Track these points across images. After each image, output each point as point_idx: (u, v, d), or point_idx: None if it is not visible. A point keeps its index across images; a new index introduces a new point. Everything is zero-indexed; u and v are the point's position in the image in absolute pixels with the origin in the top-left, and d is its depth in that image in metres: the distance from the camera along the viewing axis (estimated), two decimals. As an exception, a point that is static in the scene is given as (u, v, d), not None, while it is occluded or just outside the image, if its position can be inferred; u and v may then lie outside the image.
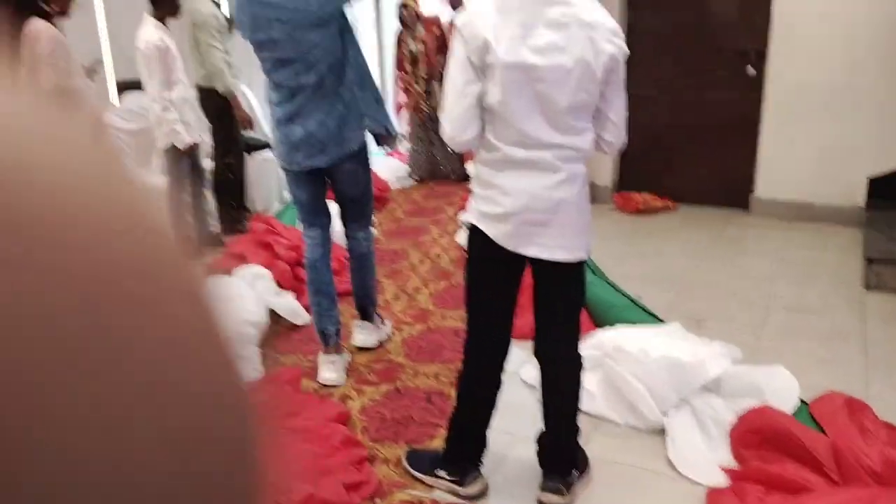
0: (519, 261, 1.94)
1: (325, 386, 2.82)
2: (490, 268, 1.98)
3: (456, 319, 3.46)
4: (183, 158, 4.16)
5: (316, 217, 2.84)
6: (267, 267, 3.54)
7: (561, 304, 2.05)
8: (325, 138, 2.58)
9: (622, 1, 5.26)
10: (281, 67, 2.52)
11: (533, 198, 1.83)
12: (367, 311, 3.08)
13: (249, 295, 3.13)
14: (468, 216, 2.00)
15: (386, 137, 2.75)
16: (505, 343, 2.09)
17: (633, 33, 5.34)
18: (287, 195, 5.65)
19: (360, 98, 2.61)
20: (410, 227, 5.02)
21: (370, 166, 2.85)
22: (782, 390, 2.38)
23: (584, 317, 3.22)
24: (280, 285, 3.50)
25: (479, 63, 1.79)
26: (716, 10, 5.12)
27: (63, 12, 3.10)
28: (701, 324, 3.25)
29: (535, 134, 1.81)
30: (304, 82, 2.51)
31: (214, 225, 4.68)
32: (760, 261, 4.27)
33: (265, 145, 5.55)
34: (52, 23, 3.00)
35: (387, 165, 6.30)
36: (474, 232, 1.95)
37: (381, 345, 3.16)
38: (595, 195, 5.62)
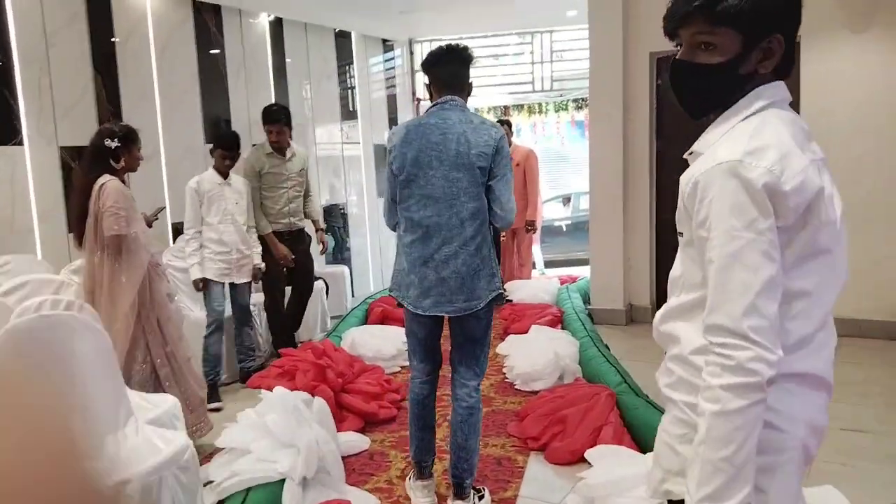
0: None
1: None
2: None
3: (498, 447, 3.44)
4: (213, 292, 4.36)
5: (427, 353, 2.81)
6: (311, 390, 3.56)
7: None
8: (456, 288, 2.57)
9: (650, 133, 5.50)
10: (425, 206, 2.56)
11: None
12: (463, 486, 2.78)
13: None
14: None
15: (501, 300, 2.71)
16: None
17: (661, 161, 5.56)
18: (329, 324, 5.82)
19: (495, 259, 2.65)
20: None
21: (492, 321, 2.76)
22: (836, 514, 2.28)
23: (628, 440, 3.22)
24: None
25: (790, 229, 1.19)
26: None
27: (130, 169, 3.41)
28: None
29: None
30: (443, 222, 2.55)
31: (258, 356, 4.80)
32: (809, 380, 4.17)
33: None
34: (120, 177, 3.31)
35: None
36: None
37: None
38: (636, 316, 5.69)
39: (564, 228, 10.49)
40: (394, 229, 2.79)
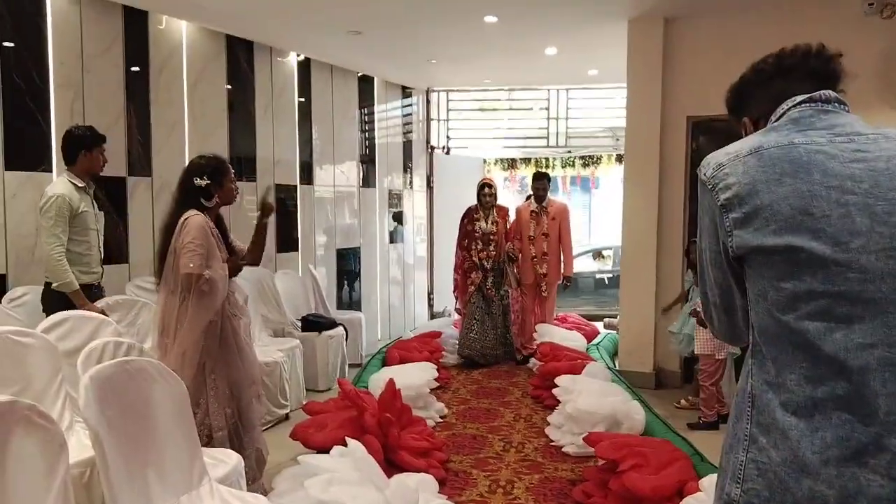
0: None
1: None
2: None
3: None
4: None
5: None
6: (371, 432, 3.43)
7: None
8: None
9: (685, 196, 5.48)
10: (846, 320, 1.10)
11: None
12: None
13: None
14: None
15: None
16: None
17: (694, 225, 5.51)
18: (347, 372, 5.57)
19: None
20: (481, 408, 4.89)
21: None
22: None
23: None
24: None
25: None
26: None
27: (226, 203, 3.12)
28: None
29: None
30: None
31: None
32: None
33: (332, 325, 5.58)
34: (213, 213, 3.05)
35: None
36: None
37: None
38: (664, 380, 5.52)
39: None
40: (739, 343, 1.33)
